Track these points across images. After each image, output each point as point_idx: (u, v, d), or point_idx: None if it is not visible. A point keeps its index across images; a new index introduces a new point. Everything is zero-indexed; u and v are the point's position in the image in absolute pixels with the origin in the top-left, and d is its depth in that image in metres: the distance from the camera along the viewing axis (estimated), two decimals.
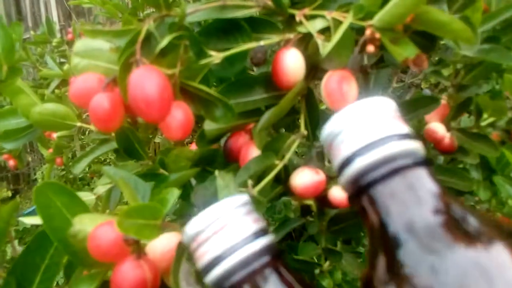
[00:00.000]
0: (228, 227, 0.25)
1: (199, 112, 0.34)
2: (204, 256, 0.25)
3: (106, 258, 0.29)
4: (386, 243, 0.24)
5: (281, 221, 0.65)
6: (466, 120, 0.68)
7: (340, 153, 0.26)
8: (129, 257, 0.29)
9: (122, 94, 0.30)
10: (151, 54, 0.30)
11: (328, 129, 0.27)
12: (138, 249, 0.29)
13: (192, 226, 0.26)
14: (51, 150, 1.17)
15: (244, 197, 0.27)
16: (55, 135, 1.14)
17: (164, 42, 0.30)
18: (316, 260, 0.61)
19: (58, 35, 1.58)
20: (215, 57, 0.36)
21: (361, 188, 0.26)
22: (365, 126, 0.26)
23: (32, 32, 1.67)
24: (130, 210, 0.26)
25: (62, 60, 1.37)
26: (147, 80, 0.28)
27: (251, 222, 0.26)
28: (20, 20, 3.06)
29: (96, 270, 0.32)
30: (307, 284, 0.28)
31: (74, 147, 1.08)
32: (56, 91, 1.13)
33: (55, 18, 3.06)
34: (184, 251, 0.30)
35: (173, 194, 0.29)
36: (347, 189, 0.27)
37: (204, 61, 0.36)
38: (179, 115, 0.32)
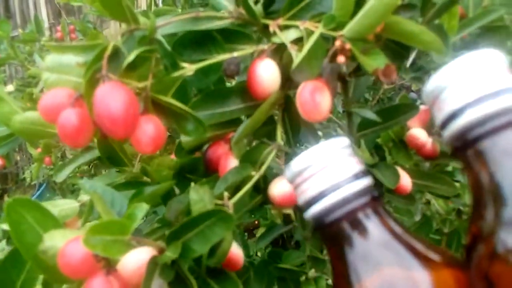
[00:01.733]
0: (332, 166, 0.27)
1: (171, 125, 0.34)
2: (307, 191, 0.27)
3: (76, 275, 0.29)
4: (497, 196, 0.25)
5: (268, 227, 0.65)
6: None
7: (448, 106, 0.26)
8: (98, 273, 0.28)
9: (88, 111, 0.30)
10: (119, 69, 0.30)
11: (433, 83, 0.27)
12: (107, 265, 0.28)
13: (298, 162, 0.28)
14: (39, 150, 1.16)
15: (347, 140, 0.28)
16: None
17: (131, 57, 0.29)
18: (301, 267, 0.61)
19: (47, 33, 1.57)
20: (188, 69, 0.36)
21: (469, 142, 0.26)
22: (476, 78, 0.25)
23: (20, 30, 1.66)
24: (97, 226, 0.26)
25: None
26: (112, 97, 0.28)
27: (354, 163, 0.28)
28: (8, 18, 3.04)
29: (69, 287, 0.32)
30: (405, 228, 0.28)
31: (63, 146, 1.07)
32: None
33: (44, 16, 3.04)
34: (155, 267, 0.30)
35: (142, 209, 0.29)
36: (451, 144, 0.27)
37: (176, 74, 0.36)
38: (150, 129, 0.32)
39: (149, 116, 0.32)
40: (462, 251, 0.28)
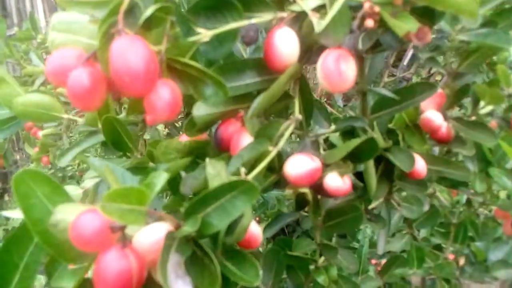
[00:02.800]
0: None
1: (188, 91, 0.32)
2: None
3: (89, 248, 0.26)
4: None
5: (275, 216, 0.63)
6: (457, 113, 0.67)
7: None
8: (113, 246, 0.26)
9: (103, 67, 0.27)
10: (134, 26, 0.28)
11: None
12: (123, 238, 0.26)
13: None
14: (37, 149, 1.13)
15: None
16: (40, 133, 1.10)
17: (148, 12, 0.27)
18: (310, 256, 0.59)
19: (44, 31, 1.54)
20: (204, 35, 0.34)
21: None
22: None
23: (16, 29, 1.63)
24: (114, 194, 0.24)
25: (47, 56, 1.34)
26: (131, 50, 0.26)
27: None
28: (4, 16, 3.00)
29: (78, 265, 0.29)
30: None
31: (62, 145, 1.04)
32: (42, 88, 1.09)
33: (41, 14, 3.00)
34: (173, 242, 0.28)
35: (161, 178, 0.27)
36: None
37: (192, 39, 0.33)
38: (166, 94, 0.30)
39: (165, 80, 0.30)
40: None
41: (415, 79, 1.66)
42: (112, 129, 0.47)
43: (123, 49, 0.26)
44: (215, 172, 0.34)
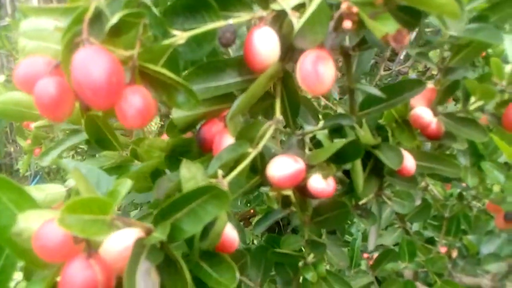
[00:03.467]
0: None
1: (160, 98, 0.31)
2: None
3: (53, 259, 0.26)
4: None
5: (265, 213, 0.63)
6: (452, 107, 0.66)
7: None
8: (78, 256, 0.26)
9: (66, 78, 0.27)
10: (101, 35, 0.27)
11: None
12: (88, 248, 0.26)
13: None
14: (29, 141, 1.13)
15: None
16: (32, 125, 1.10)
17: (114, 20, 0.26)
18: (299, 252, 0.59)
19: None
20: (179, 37, 0.33)
21: None
22: None
23: (8, 20, 1.61)
24: (74, 204, 0.23)
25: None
26: (93, 63, 0.25)
27: None
28: None
29: (47, 271, 0.29)
30: None
31: (56, 137, 1.03)
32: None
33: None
34: (142, 249, 0.27)
35: (125, 186, 0.26)
36: None
37: (166, 42, 0.32)
38: (137, 101, 0.29)
39: (136, 87, 0.29)
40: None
41: (411, 73, 1.64)
42: (95, 127, 0.46)
43: (85, 61, 0.25)
44: (190, 175, 0.33)
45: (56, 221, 0.22)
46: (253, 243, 1.02)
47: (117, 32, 0.28)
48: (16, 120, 0.73)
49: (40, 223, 0.26)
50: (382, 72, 1.79)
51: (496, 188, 0.93)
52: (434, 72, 1.64)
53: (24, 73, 0.29)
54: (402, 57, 1.93)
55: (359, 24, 0.31)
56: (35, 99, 0.27)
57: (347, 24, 0.30)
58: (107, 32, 0.27)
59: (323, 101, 1.12)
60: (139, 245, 0.27)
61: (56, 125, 0.98)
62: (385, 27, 0.29)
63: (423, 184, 0.83)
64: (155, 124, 0.99)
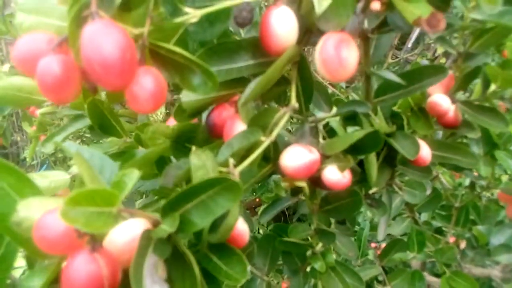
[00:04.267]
0: None
1: (173, 79, 0.29)
2: None
3: (54, 251, 0.24)
4: None
5: (272, 201, 0.61)
6: (461, 96, 0.64)
7: None
8: (82, 250, 0.24)
9: (74, 56, 0.24)
10: (111, 8, 0.25)
11: None
12: (92, 241, 0.24)
13: None
14: (34, 128, 1.11)
15: None
16: (38, 112, 1.08)
17: None
18: (307, 241, 0.57)
19: None
20: (192, 15, 0.31)
21: None
22: None
23: (13, 5, 1.57)
24: (78, 196, 0.21)
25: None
26: (105, 37, 0.23)
27: None
28: None
29: (49, 262, 0.27)
30: None
31: (62, 124, 1.02)
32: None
33: None
34: (149, 242, 0.26)
35: (132, 177, 0.24)
36: None
37: (179, 20, 0.30)
38: (149, 83, 0.27)
39: (147, 68, 0.27)
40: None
41: (420, 60, 1.61)
42: (98, 113, 0.44)
43: (96, 36, 0.23)
44: (200, 163, 0.31)
45: (59, 214, 0.21)
46: (258, 232, 1.01)
47: (127, 6, 0.25)
48: (18, 106, 0.71)
49: (42, 212, 0.24)
50: (389, 60, 1.76)
51: (504, 178, 0.92)
52: (442, 61, 1.61)
53: (24, 51, 0.26)
54: (410, 45, 1.89)
55: (388, 6, 0.29)
56: (38, 80, 0.25)
57: (376, 5, 0.28)
58: (117, 6, 0.24)
59: (330, 89, 1.09)
60: (146, 237, 0.25)
61: (61, 111, 0.96)
62: (418, 10, 0.27)
63: (433, 173, 0.81)
64: (160, 113, 0.97)
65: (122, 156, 0.44)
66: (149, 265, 0.25)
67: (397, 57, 1.92)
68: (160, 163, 0.47)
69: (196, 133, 0.44)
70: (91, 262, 0.24)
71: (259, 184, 0.91)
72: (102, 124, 0.46)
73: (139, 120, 0.58)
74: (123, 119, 0.51)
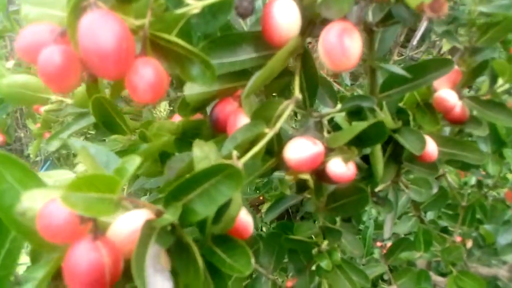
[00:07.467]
0: None
1: (173, 70, 0.29)
2: None
3: (57, 240, 0.24)
4: None
5: (277, 198, 0.61)
6: (466, 93, 0.63)
7: None
8: (84, 238, 0.24)
9: (73, 46, 0.24)
10: None
11: None
12: (95, 229, 0.24)
13: None
14: (38, 125, 1.11)
15: None
16: (42, 109, 1.08)
17: None
18: (313, 239, 0.57)
19: None
20: (194, 6, 0.31)
21: None
22: None
23: (18, 3, 1.59)
24: (79, 181, 0.21)
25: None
26: (101, 27, 0.23)
27: None
28: None
29: (52, 254, 0.27)
30: None
31: (66, 121, 1.02)
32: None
33: None
34: (152, 232, 0.25)
35: (133, 163, 0.24)
36: None
37: (180, 11, 0.30)
38: (148, 73, 0.27)
39: (147, 59, 0.27)
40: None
41: (424, 57, 1.61)
42: (103, 110, 0.44)
43: (93, 26, 0.23)
44: (203, 155, 0.31)
45: (60, 198, 0.21)
46: (261, 230, 1.00)
47: None
48: (24, 104, 0.71)
49: (44, 202, 0.24)
50: (395, 58, 1.75)
51: (510, 176, 0.90)
52: (460, 47, 1.60)
53: (27, 41, 0.27)
54: (415, 42, 1.88)
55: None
56: (39, 69, 0.25)
57: None
58: None
59: (336, 87, 1.09)
60: (149, 227, 0.25)
61: (66, 108, 0.96)
62: None
63: (440, 171, 0.80)
64: (164, 110, 0.97)
65: (127, 153, 0.44)
66: (152, 255, 0.25)
67: (402, 55, 1.91)
68: (165, 159, 0.47)
69: (201, 129, 0.44)
70: (93, 250, 0.23)
71: (263, 182, 0.91)
72: (107, 122, 0.46)
73: (144, 117, 0.58)
74: (127, 117, 0.51)
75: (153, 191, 0.86)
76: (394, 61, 1.75)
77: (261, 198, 1.11)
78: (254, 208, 1.17)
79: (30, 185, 0.28)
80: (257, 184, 0.93)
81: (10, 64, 1.35)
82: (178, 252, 0.28)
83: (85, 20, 0.23)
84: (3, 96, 0.46)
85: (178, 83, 0.51)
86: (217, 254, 0.32)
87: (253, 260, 0.32)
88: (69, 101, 0.56)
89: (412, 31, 1.77)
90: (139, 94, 0.26)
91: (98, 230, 0.24)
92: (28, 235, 0.28)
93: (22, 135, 2.51)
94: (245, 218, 0.33)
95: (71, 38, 0.24)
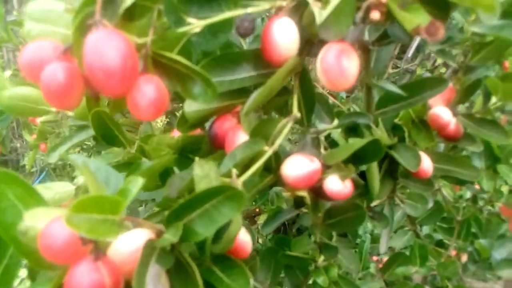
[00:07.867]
0: None
1: (175, 88, 0.29)
2: None
3: (59, 260, 0.24)
4: None
5: (273, 213, 0.61)
6: (462, 109, 0.64)
7: None
8: (85, 258, 0.24)
9: (78, 63, 0.25)
10: (114, 17, 0.25)
11: None
12: (96, 249, 0.24)
13: None
14: (34, 136, 1.11)
15: None
16: (38, 120, 1.08)
17: (129, 1, 0.24)
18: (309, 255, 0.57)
19: None
20: (195, 25, 0.31)
21: None
22: None
23: (15, 13, 1.60)
24: (82, 203, 0.21)
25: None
26: (107, 45, 0.23)
27: None
28: (5, 1, 2.96)
29: (52, 272, 0.27)
30: None
31: (62, 133, 1.02)
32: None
33: None
34: (152, 252, 0.26)
35: (136, 184, 0.24)
36: None
37: (181, 30, 0.31)
38: (150, 91, 0.27)
39: (149, 76, 0.28)
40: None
41: (419, 71, 1.62)
42: (102, 123, 0.45)
43: (98, 44, 0.23)
44: (203, 174, 0.31)
45: (64, 220, 0.21)
46: (258, 241, 1.00)
47: (131, 16, 0.26)
48: (24, 115, 0.71)
49: (46, 221, 0.24)
50: (390, 70, 1.77)
51: (504, 189, 0.91)
52: (442, 71, 1.62)
53: (30, 58, 0.27)
54: (410, 55, 1.90)
55: (387, 16, 0.29)
56: (42, 86, 0.25)
57: (375, 15, 0.28)
58: (121, 15, 0.25)
59: (331, 100, 1.10)
60: (149, 247, 0.25)
61: (64, 120, 0.96)
62: (416, 19, 0.27)
63: (435, 186, 0.80)
64: (160, 121, 0.97)
65: (127, 167, 0.44)
66: (152, 275, 0.25)
67: (397, 67, 1.93)
68: (163, 174, 0.47)
69: (201, 145, 0.45)
70: (94, 270, 0.23)
71: (260, 194, 0.91)
72: (106, 134, 0.46)
73: (143, 130, 0.58)
74: (124, 128, 0.51)
75: (148, 202, 0.86)
76: (389, 73, 1.77)
77: (257, 209, 1.11)
78: (250, 219, 1.16)
79: (31, 203, 0.28)
80: (254, 197, 0.92)
81: (7, 74, 1.35)
82: (177, 272, 0.28)
83: (91, 38, 0.24)
84: (4, 108, 0.46)
85: (174, 95, 0.52)
86: (216, 274, 0.32)
87: (251, 280, 0.32)
88: (69, 113, 0.56)
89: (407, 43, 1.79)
90: (141, 111, 0.27)
91: (99, 251, 0.24)
92: (27, 253, 0.28)
93: (18, 145, 2.49)
94: (244, 238, 0.33)
95: (76, 55, 0.25)
